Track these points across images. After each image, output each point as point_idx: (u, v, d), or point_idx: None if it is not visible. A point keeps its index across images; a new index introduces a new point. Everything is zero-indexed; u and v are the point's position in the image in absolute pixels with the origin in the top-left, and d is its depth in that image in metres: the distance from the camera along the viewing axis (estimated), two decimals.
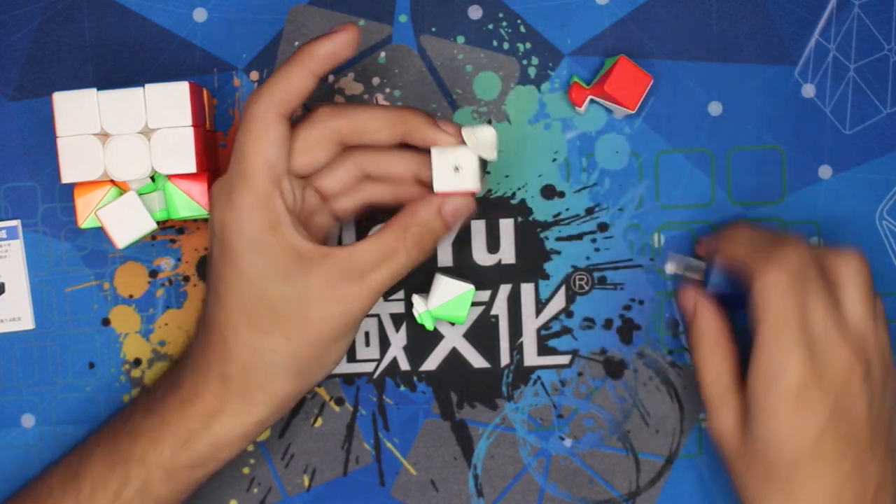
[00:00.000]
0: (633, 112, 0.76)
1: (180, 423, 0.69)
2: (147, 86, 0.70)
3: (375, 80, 0.77)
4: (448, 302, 0.74)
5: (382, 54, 0.77)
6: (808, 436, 0.68)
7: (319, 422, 0.78)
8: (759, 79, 0.77)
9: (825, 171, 0.78)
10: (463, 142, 0.69)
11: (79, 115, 0.70)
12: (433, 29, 0.77)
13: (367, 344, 0.78)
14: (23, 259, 0.77)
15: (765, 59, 0.77)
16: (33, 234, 0.77)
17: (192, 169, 0.70)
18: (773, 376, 0.68)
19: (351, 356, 0.78)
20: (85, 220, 0.72)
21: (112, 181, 0.71)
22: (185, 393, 0.69)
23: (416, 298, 0.74)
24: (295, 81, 0.68)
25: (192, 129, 0.70)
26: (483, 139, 0.68)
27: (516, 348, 0.78)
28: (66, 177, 0.70)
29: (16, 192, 0.77)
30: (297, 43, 0.77)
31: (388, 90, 0.77)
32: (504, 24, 0.77)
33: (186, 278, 0.77)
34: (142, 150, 0.70)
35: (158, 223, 0.72)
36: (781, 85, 0.77)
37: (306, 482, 0.78)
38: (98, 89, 0.70)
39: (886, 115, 0.78)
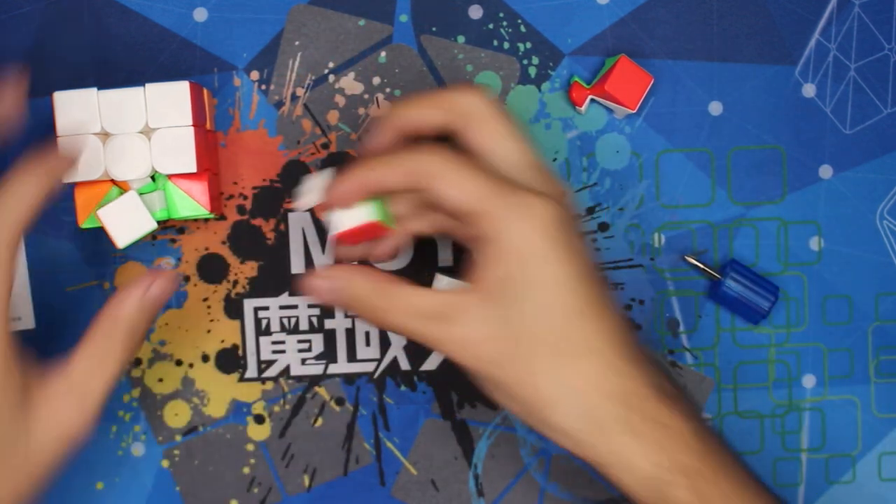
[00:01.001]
0: (633, 112, 0.76)
1: None
2: (147, 85, 0.70)
3: (376, 80, 0.77)
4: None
5: (383, 54, 0.77)
6: (566, 286, 0.62)
7: (320, 422, 0.78)
8: (759, 79, 0.77)
9: (825, 171, 0.78)
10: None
11: (79, 114, 0.70)
12: (433, 29, 0.77)
13: (368, 344, 0.78)
14: (23, 259, 0.77)
15: (765, 59, 0.77)
16: (33, 234, 0.77)
17: (193, 168, 0.70)
18: (512, 235, 0.62)
19: (351, 356, 0.78)
20: (85, 220, 0.72)
21: (112, 181, 0.71)
22: None
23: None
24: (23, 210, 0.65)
25: (192, 128, 0.70)
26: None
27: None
28: (66, 176, 0.70)
29: None
30: (297, 43, 0.77)
31: (388, 90, 0.77)
32: (504, 23, 0.77)
33: (187, 278, 0.77)
34: (142, 150, 0.70)
35: (158, 223, 0.72)
36: (782, 85, 0.77)
37: (306, 482, 0.78)
38: (98, 89, 0.70)
39: (887, 115, 0.78)
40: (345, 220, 0.66)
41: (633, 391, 0.63)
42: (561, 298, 0.62)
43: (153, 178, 0.72)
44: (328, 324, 0.78)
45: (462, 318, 0.63)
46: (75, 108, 0.70)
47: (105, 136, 0.71)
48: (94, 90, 0.70)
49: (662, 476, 0.62)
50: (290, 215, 0.77)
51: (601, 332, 0.63)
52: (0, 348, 0.64)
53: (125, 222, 0.71)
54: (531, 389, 0.63)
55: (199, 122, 0.71)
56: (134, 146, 0.70)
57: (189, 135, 0.70)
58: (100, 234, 0.77)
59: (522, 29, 0.77)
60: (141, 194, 0.71)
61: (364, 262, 0.74)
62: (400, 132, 0.67)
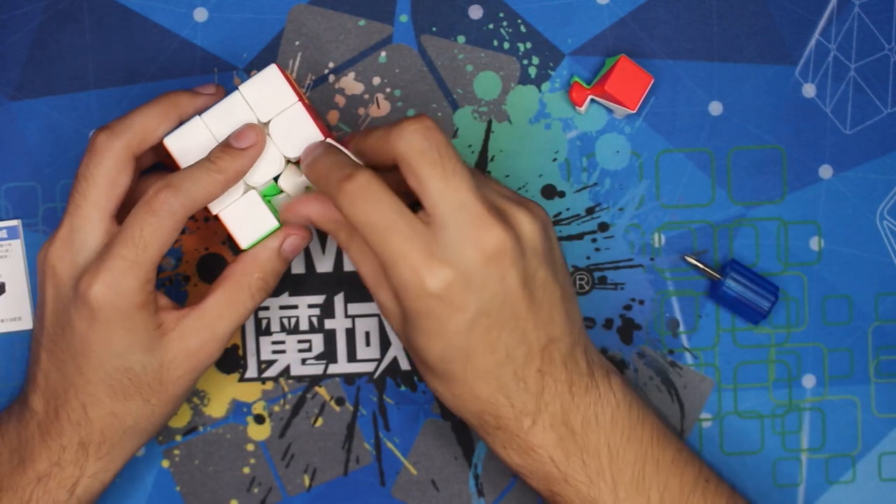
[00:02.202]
0: (633, 112, 0.76)
1: (43, 498, 0.70)
2: (241, 86, 0.70)
3: (376, 80, 0.77)
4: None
5: (383, 54, 0.77)
6: (454, 332, 0.66)
7: (320, 422, 0.78)
8: (759, 79, 0.77)
9: (825, 171, 0.78)
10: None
11: (195, 146, 0.70)
12: (434, 29, 0.77)
13: (368, 344, 0.78)
14: (23, 259, 0.77)
15: (765, 59, 0.77)
16: (34, 234, 0.77)
17: (320, 137, 0.70)
18: (407, 289, 0.66)
19: (351, 356, 0.78)
20: (250, 243, 0.71)
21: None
22: (42, 467, 0.70)
23: None
24: (152, 124, 0.69)
25: (299, 104, 0.70)
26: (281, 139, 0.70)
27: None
28: (216, 208, 0.70)
29: (16, 192, 0.77)
30: (297, 43, 0.77)
31: (388, 90, 0.77)
32: (504, 23, 0.77)
33: (187, 278, 0.77)
34: (269, 144, 0.70)
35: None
36: (782, 85, 0.77)
37: (307, 482, 0.78)
38: (199, 115, 0.70)
39: (887, 115, 0.78)
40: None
41: (492, 412, 0.69)
42: (442, 339, 0.67)
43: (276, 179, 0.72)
44: (328, 324, 0.78)
45: (383, 292, 0.69)
46: (190, 144, 0.70)
47: None
48: (197, 118, 0.70)
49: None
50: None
51: (476, 367, 0.68)
52: (142, 293, 0.68)
53: (247, 222, 0.71)
54: (422, 378, 0.71)
55: (300, 95, 0.71)
56: None
57: (300, 111, 0.70)
58: None
59: (522, 29, 0.77)
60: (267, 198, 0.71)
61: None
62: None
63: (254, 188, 0.71)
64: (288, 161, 0.71)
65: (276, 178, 0.71)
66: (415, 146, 0.65)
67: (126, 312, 0.68)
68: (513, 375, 0.67)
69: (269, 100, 0.70)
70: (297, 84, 0.74)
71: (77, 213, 0.69)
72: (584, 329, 0.71)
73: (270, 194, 0.71)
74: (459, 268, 0.65)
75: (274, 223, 0.71)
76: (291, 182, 0.71)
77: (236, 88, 0.70)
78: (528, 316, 0.67)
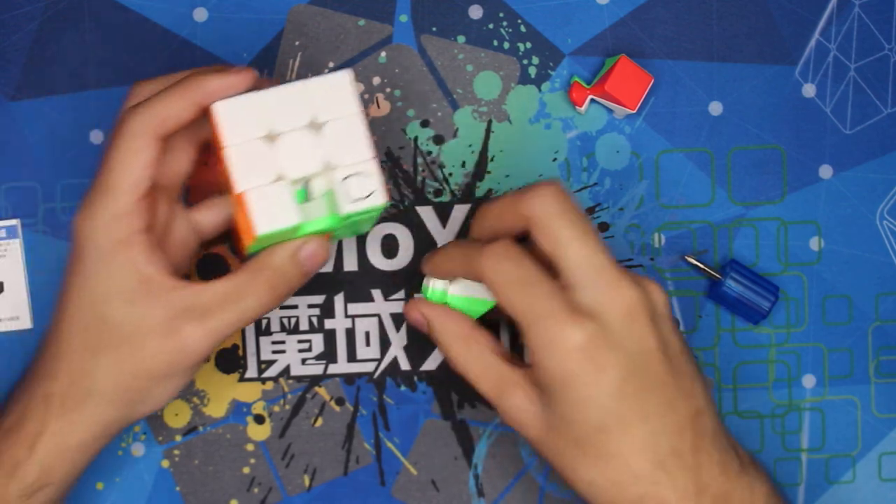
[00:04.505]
0: (633, 112, 0.76)
1: (6, 452, 0.68)
2: (308, 80, 0.67)
3: (376, 80, 0.77)
4: (469, 298, 0.72)
5: (383, 54, 0.77)
6: (606, 394, 0.65)
7: (320, 422, 0.78)
8: (759, 79, 0.77)
9: (825, 171, 0.78)
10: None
11: (244, 120, 0.67)
12: (434, 28, 0.77)
13: (368, 344, 0.78)
14: (22, 258, 0.77)
15: (765, 59, 0.77)
16: (34, 234, 0.77)
17: (367, 155, 0.67)
18: (552, 346, 0.65)
19: (351, 356, 0.78)
20: (250, 245, 0.69)
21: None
22: (9, 421, 0.68)
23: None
24: (177, 109, 0.66)
25: (360, 115, 0.67)
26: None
27: (517, 347, 0.78)
28: (241, 185, 0.66)
29: (16, 192, 0.77)
30: (297, 43, 0.77)
31: (388, 90, 0.77)
32: (504, 23, 0.77)
33: (186, 276, 0.77)
34: (313, 145, 0.67)
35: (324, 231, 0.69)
36: (782, 85, 0.78)
37: (307, 482, 0.78)
38: (256, 92, 0.67)
39: (887, 115, 0.78)
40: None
41: (654, 495, 0.65)
42: (594, 404, 0.65)
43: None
44: (328, 324, 0.78)
45: (514, 392, 0.67)
46: (238, 117, 0.67)
47: (272, 138, 0.67)
48: (253, 94, 0.67)
49: None
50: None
51: (633, 437, 0.65)
52: (118, 227, 0.66)
53: (269, 210, 0.67)
54: (568, 472, 0.67)
55: (361, 107, 0.68)
56: (305, 142, 0.67)
57: (359, 123, 0.68)
58: None
59: (522, 29, 0.77)
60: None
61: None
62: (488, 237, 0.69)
63: (284, 179, 0.67)
64: (327, 165, 0.68)
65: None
66: (552, 208, 0.66)
67: (104, 250, 0.66)
68: (669, 449, 0.65)
69: (331, 102, 0.67)
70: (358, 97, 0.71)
71: (98, 186, 0.67)
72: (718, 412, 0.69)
73: (299, 199, 0.68)
74: (601, 321, 0.65)
75: (295, 220, 0.67)
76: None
77: (302, 79, 0.68)
78: (672, 382, 0.66)
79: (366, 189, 0.67)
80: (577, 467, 0.66)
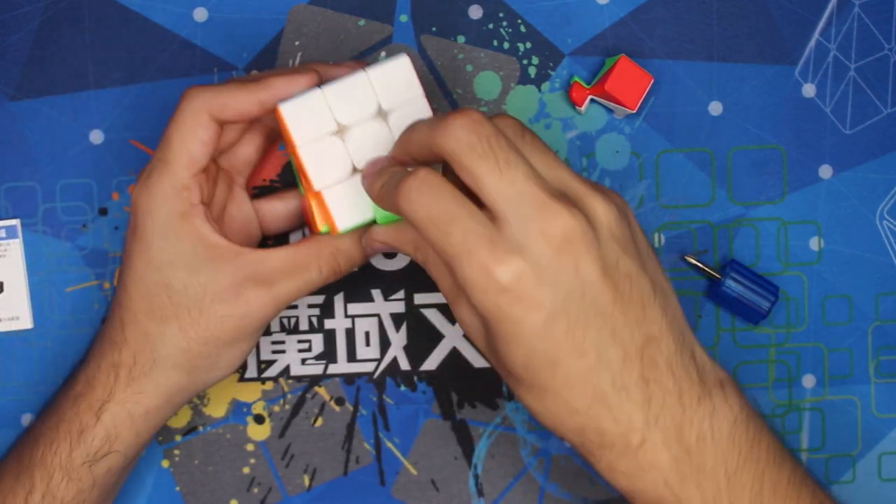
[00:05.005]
0: (633, 112, 0.76)
1: (73, 419, 0.69)
2: (369, 69, 0.68)
3: None
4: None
5: (383, 54, 0.77)
6: (534, 335, 0.61)
7: (320, 422, 0.78)
8: (759, 79, 0.77)
9: (825, 171, 0.78)
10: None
11: (311, 118, 0.67)
12: (433, 29, 0.77)
13: (368, 344, 0.78)
14: (22, 258, 0.77)
15: (765, 59, 0.77)
16: (33, 234, 0.77)
17: None
18: (477, 287, 0.61)
19: (351, 356, 0.78)
20: (324, 225, 0.70)
21: None
22: (79, 387, 0.70)
23: None
24: (240, 100, 0.68)
25: (425, 100, 0.68)
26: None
27: None
28: (318, 184, 0.68)
29: (16, 191, 0.77)
30: (297, 43, 0.77)
31: None
32: (504, 23, 0.77)
33: None
34: (383, 134, 0.68)
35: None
36: (782, 85, 0.78)
37: (307, 482, 0.78)
38: (320, 87, 0.68)
39: (887, 115, 0.78)
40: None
41: (594, 427, 0.62)
42: (523, 344, 0.62)
43: None
44: (328, 324, 0.78)
45: (462, 304, 0.65)
46: (305, 115, 0.67)
47: (341, 131, 0.68)
48: (318, 90, 0.68)
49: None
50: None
51: (566, 374, 0.62)
52: (178, 200, 0.68)
53: (348, 206, 0.68)
54: (512, 390, 0.65)
55: (424, 90, 0.69)
56: (374, 131, 0.68)
57: (425, 107, 0.68)
58: (100, 233, 0.77)
59: (522, 29, 0.77)
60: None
61: None
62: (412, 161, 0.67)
63: (359, 172, 0.68)
64: None
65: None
66: (463, 141, 0.61)
67: (165, 221, 0.68)
68: (611, 383, 0.61)
69: (395, 88, 0.68)
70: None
71: (157, 160, 0.69)
72: (688, 329, 0.64)
73: None
74: (529, 259, 0.60)
75: (373, 213, 0.69)
76: None
77: (362, 70, 0.68)
78: (616, 311, 0.61)
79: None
80: (516, 390, 0.64)
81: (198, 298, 0.68)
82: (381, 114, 0.68)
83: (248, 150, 0.73)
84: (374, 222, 0.69)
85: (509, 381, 0.64)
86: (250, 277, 0.68)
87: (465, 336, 0.68)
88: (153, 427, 0.71)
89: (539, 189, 0.61)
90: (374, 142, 0.68)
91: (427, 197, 0.61)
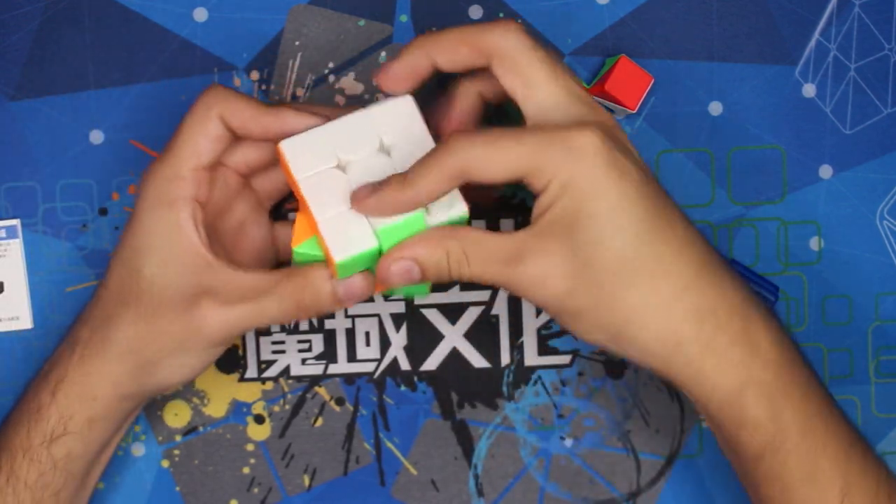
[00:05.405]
0: (633, 112, 0.76)
1: (33, 398, 0.69)
2: (371, 107, 0.67)
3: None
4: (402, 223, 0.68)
5: (383, 54, 0.77)
6: (630, 200, 0.63)
7: (320, 422, 0.78)
8: (759, 79, 0.77)
9: (825, 171, 0.78)
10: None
11: (311, 153, 0.67)
12: (434, 29, 0.77)
13: (368, 344, 0.78)
14: (22, 258, 0.77)
15: (765, 59, 0.78)
16: (33, 234, 0.77)
17: None
18: (571, 157, 0.62)
19: (351, 356, 0.78)
20: (300, 244, 0.68)
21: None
22: (46, 365, 0.70)
23: None
24: (247, 114, 0.68)
25: (430, 139, 0.67)
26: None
27: (517, 348, 0.78)
28: (321, 214, 0.66)
29: (16, 191, 0.77)
30: (297, 43, 0.77)
31: None
32: None
33: None
34: (385, 168, 0.66)
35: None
36: (782, 85, 0.78)
37: (307, 482, 0.78)
38: (322, 126, 0.67)
39: (887, 115, 0.78)
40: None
41: (710, 309, 0.63)
42: (622, 224, 0.62)
43: None
44: (328, 324, 0.78)
45: (532, 257, 0.63)
46: (305, 152, 0.67)
47: (342, 167, 0.67)
48: (319, 129, 0.67)
49: (741, 393, 0.64)
50: (290, 215, 0.77)
51: (672, 253, 0.63)
52: (169, 188, 0.68)
53: (345, 235, 0.66)
54: (608, 311, 0.63)
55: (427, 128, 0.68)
56: (377, 166, 0.67)
57: (430, 143, 0.67)
58: (100, 234, 0.77)
59: None
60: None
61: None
62: (421, 71, 0.66)
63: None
64: None
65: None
66: (521, 43, 0.63)
67: (152, 205, 0.68)
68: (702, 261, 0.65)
69: (398, 125, 0.67)
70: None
71: (165, 148, 0.69)
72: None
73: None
74: (602, 127, 0.63)
75: (374, 243, 0.65)
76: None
77: (364, 108, 0.67)
78: (670, 203, 0.65)
79: (446, 202, 0.66)
80: (615, 297, 0.63)
81: (159, 293, 0.67)
82: (384, 149, 0.67)
83: (282, 176, 0.72)
84: (376, 255, 0.66)
85: (602, 295, 0.63)
86: (210, 292, 0.67)
87: (532, 300, 0.65)
88: (106, 416, 0.69)
89: (588, 93, 0.64)
90: (378, 175, 0.66)
91: (474, 136, 0.63)
